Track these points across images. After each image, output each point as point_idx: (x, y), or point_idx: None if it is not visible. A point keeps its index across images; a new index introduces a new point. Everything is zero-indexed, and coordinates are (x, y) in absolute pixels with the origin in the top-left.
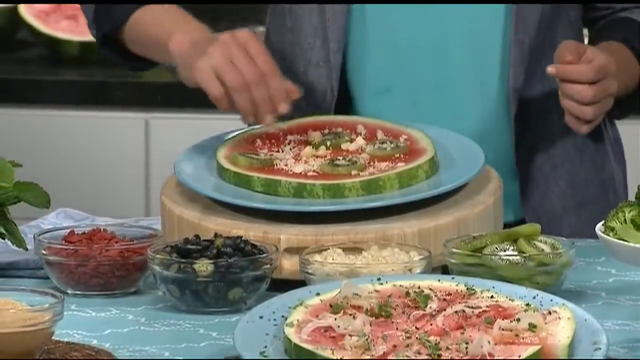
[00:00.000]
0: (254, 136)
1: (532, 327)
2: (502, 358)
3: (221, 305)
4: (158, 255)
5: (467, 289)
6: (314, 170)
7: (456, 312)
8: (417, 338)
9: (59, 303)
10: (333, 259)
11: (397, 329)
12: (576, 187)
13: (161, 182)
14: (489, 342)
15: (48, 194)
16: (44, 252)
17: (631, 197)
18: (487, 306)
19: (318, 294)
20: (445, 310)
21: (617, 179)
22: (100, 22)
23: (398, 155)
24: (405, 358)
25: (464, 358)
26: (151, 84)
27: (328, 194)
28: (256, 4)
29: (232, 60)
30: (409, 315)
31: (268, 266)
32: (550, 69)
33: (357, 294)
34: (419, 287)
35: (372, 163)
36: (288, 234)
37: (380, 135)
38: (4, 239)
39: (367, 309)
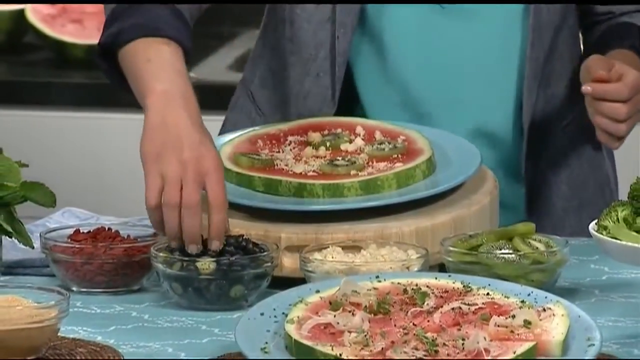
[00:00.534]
0: (255, 137)
1: (527, 323)
2: (498, 354)
3: (223, 303)
4: (161, 254)
5: (464, 286)
6: (313, 171)
7: (453, 309)
8: (414, 334)
9: (64, 300)
10: (332, 257)
11: (395, 325)
12: (576, 189)
13: None
14: (484, 338)
15: (54, 194)
16: (49, 250)
17: (622, 193)
18: (483, 303)
19: (318, 292)
20: (442, 307)
21: (611, 178)
22: (104, 34)
23: (396, 155)
24: (403, 354)
25: (461, 354)
26: None
27: (328, 193)
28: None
29: (182, 179)
30: (407, 312)
31: (269, 264)
32: (585, 89)
33: (356, 292)
34: (416, 285)
35: (370, 163)
36: (288, 233)
37: (378, 136)
38: (11, 237)
39: (365, 306)
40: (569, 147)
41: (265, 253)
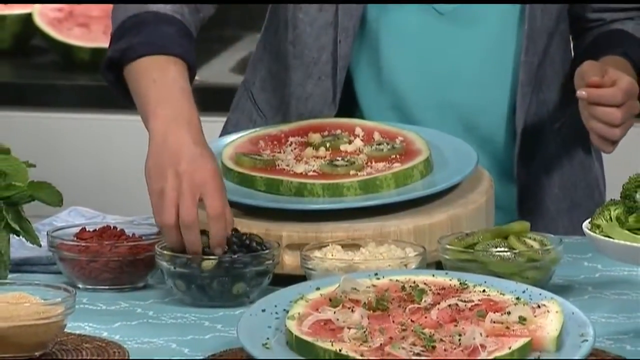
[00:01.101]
0: (257, 138)
1: (522, 319)
2: (494, 349)
3: (225, 299)
4: (165, 252)
5: (460, 283)
6: (314, 171)
7: (450, 305)
8: (412, 330)
9: (70, 297)
10: (332, 255)
11: (393, 321)
12: (567, 190)
13: None
14: (481, 334)
15: (60, 193)
16: (56, 248)
17: (609, 193)
18: (479, 300)
19: (318, 289)
20: (439, 303)
21: (600, 180)
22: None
23: (394, 156)
24: (401, 350)
25: (457, 349)
26: None
27: (327, 193)
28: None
29: (179, 193)
30: (405, 308)
31: (270, 262)
32: (581, 93)
33: (356, 289)
34: (414, 282)
35: (369, 163)
36: (289, 231)
37: (377, 136)
38: (18, 236)
39: (364, 302)
40: (560, 150)
41: (266, 251)
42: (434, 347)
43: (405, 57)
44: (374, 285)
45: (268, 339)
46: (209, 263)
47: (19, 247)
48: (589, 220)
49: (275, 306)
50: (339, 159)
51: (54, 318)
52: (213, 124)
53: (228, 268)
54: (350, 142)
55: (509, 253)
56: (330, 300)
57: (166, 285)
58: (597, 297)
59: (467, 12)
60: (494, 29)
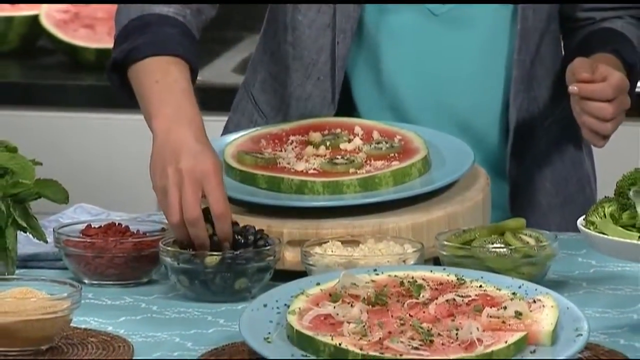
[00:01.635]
0: (258, 136)
1: (518, 314)
2: (490, 343)
3: (228, 294)
4: (169, 248)
5: (457, 279)
6: (314, 169)
7: (447, 300)
8: (410, 325)
9: (76, 292)
10: (332, 251)
11: (392, 316)
12: (559, 186)
13: None
14: (477, 328)
15: (66, 191)
16: (62, 244)
17: (600, 190)
18: (476, 295)
19: (318, 284)
20: (437, 299)
21: (591, 176)
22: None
23: (393, 154)
24: (399, 344)
25: (455, 343)
26: None
27: (327, 190)
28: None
29: (182, 194)
30: (403, 303)
31: (272, 258)
32: (572, 89)
33: (355, 284)
34: (412, 278)
35: (368, 162)
36: (290, 228)
37: (376, 135)
38: (25, 232)
39: (364, 297)
40: (551, 146)
41: (268, 247)
42: (431, 341)
43: (401, 58)
44: (373, 281)
45: (269, 333)
46: (212, 259)
47: (26, 244)
48: (584, 217)
49: (277, 301)
50: (339, 157)
51: (60, 313)
52: (215, 123)
53: (230, 264)
54: (349, 141)
55: (505, 249)
56: (330, 295)
57: (170, 280)
58: (592, 293)
59: (460, 13)
60: (487, 30)
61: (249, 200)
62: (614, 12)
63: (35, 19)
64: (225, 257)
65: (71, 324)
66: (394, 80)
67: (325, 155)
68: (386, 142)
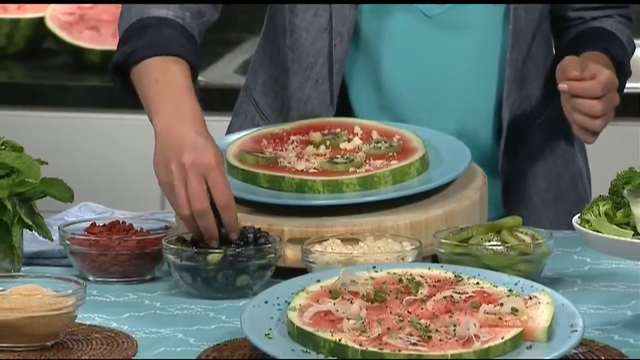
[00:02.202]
0: (259, 136)
1: (514, 311)
2: (487, 339)
3: (229, 291)
4: (172, 246)
5: (455, 276)
6: (314, 168)
7: (445, 297)
8: (409, 321)
9: (81, 289)
10: (332, 249)
11: (390, 313)
12: (551, 182)
13: None
14: (475, 324)
15: (71, 189)
16: (67, 242)
17: (595, 188)
18: (473, 292)
19: (318, 281)
20: (434, 295)
21: (583, 171)
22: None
23: (392, 153)
24: (398, 340)
25: (452, 339)
26: None
27: (327, 189)
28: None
29: (188, 187)
30: (402, 300)
31: (272, 255)
32: (562, 87)
33: (354, 281)
34: (410, 275)
35: (368, 161)
36: (291, 226)
37: (375, 135)
38: (31, 230)
39: (363, 294)
40: (543, 143)
41: (269, 245)
42: (429, 337)
43: (397, 60)
44: (372, 278)
45: (270, 329)
46: (214, 256)
47: (31, 241)
48: (579, 215)
49: (278, 298)
50: (339, 156)
51: (65, 309)
52: (217, 123)
53: (232, 261)
54: (349, 141)
55: (501, 247)
56: (330, 292)
57: (173, 277)
58: (586, 289)
59: (454, 15)
60: (480, 30)
61: (250, 199)
62: (603, 12)
63: (40, 21)
64: (227, 254)
65: (76, 321)
66: (391, 81)
67: (325, 155)
68: (385, 142)
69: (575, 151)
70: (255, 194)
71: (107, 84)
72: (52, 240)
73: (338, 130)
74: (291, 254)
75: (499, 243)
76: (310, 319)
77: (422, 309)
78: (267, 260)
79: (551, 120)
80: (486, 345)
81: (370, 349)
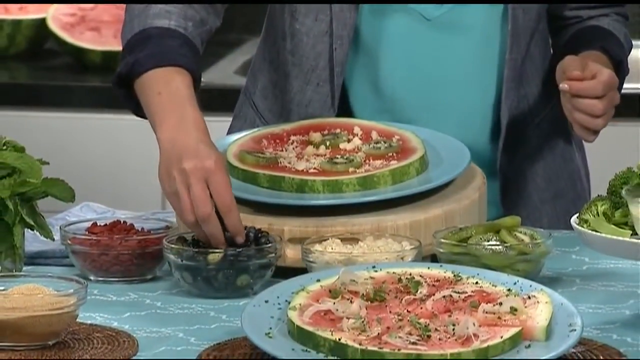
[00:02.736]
0: (260, 136)
1: (513, 310)
2: (486, 338)
3: (230, 291)
4: (173, 245)
5: (454, 275)
6: (314, 168)
7: (444, 296)
8: (408, 320)
9: (82, 289)
10: (332, 249)
11: (390, 312)
12: (550, 181)
13: None
14: (474, 324)
15: (73, 189)
16: (69, 242)
17: (593, 186)
18: (472, 291)
19: (318, 280)
20: (434, 295)
21: (581, 169)
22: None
23: (391, 154)
24: (397, 339)
25: (451, 339)
26: None
27: (327, 189)
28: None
29: (190, 193)
30: (401, 299)
31: (273, 255)
32: (563, 86)
33: (354, 281)
34: (410, 274)
35: (367, 161)
36: (291, 226)
37: (375, 135)
38: (33, 230)
39: (363, 294)
40: (542, 142)
41: (269, 244)
42: (429, 337)
43: (397, 62)
44: (371, 277)
45: (271, 328)
46: (214, 256)
47: (33, 241)
48: (577, 215)
49: (278, 297)
50: (339, 156)
51: (67, 309)
52: (218, 124)
53: (233, 261)
54: (349, 141)
55: (500, 246)
56: (330, 291)
57: (173, 277)
58: (585, 289)
59: (452, 17)
60: (479, 32)
61: (250, 199)
62: (600, 10)
63: (42, 22)
64: (227, 254)
65: (77, 320)
66: (390, 83)
67: (325, 155)
68: (385, 142)
69: (574, 150)
70: (256, 194)
71: (107, 84)
72: (53, 240)
73: (338, 130)
74: (291, 254)
75: (498, 243)
76: (310, 318)
77: (421, 308)
78: (268, 260)
79: (549, 119)
80: (485, 345)
81: (370, 348)
